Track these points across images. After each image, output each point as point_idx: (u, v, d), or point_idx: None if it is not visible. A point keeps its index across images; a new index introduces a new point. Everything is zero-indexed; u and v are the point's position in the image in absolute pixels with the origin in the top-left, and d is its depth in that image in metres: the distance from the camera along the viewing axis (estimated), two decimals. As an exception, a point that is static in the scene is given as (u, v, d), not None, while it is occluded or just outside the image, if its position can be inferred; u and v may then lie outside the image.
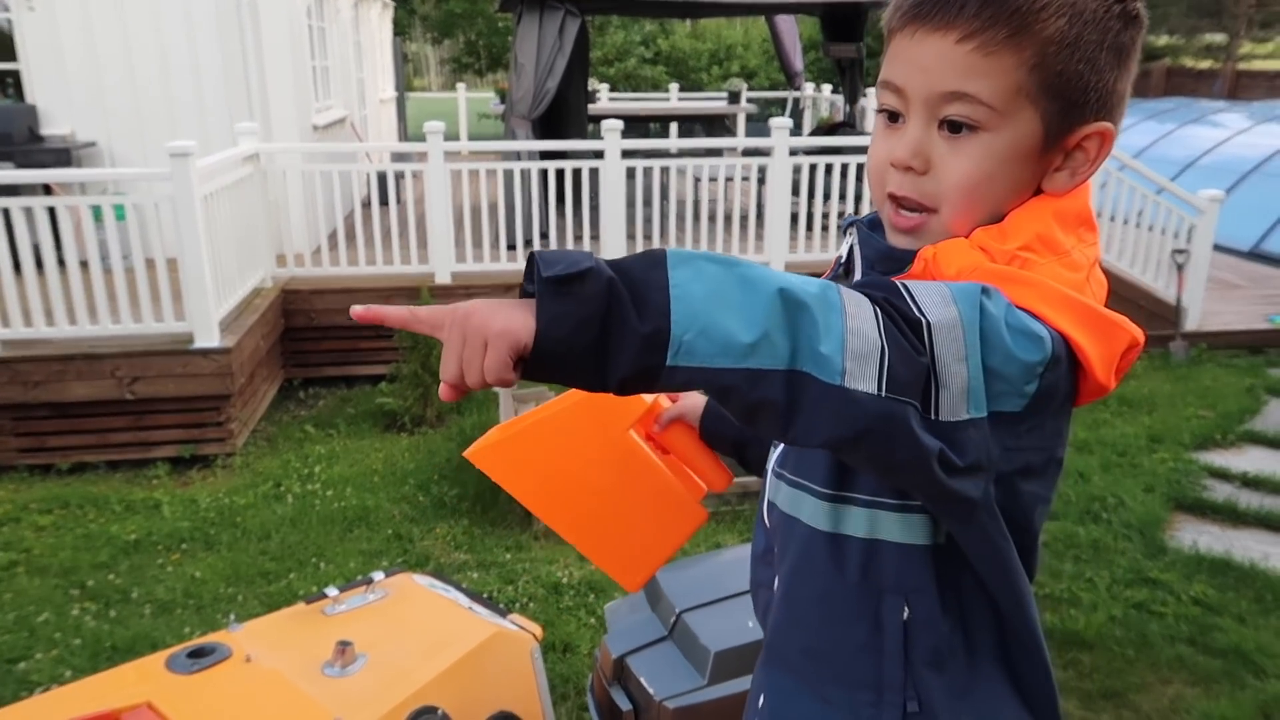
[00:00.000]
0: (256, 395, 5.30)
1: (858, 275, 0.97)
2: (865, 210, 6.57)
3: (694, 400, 1.24)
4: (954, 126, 0.88)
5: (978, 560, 0.89)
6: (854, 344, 0.71)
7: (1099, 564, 3.72)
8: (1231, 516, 4.16)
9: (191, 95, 6.48)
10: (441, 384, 0.74)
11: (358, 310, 0.75)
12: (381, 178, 6.93)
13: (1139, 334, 0.86)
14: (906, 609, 0.92)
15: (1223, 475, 4.57)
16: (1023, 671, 0.96)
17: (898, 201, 0.92)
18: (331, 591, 2.00)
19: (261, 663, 1.79)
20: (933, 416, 0.75)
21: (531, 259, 0.71)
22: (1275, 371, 6.08)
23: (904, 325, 0.74)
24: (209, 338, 4.68)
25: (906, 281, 0.80)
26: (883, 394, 0.71)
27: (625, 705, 1.75)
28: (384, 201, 6.52)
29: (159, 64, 6.42)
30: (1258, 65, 20.01)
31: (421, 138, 5.80)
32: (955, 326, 0.75)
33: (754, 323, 0.69)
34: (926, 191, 0.90)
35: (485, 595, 3.41)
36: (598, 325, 0.69)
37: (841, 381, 0.70)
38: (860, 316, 0.72)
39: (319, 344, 5.90)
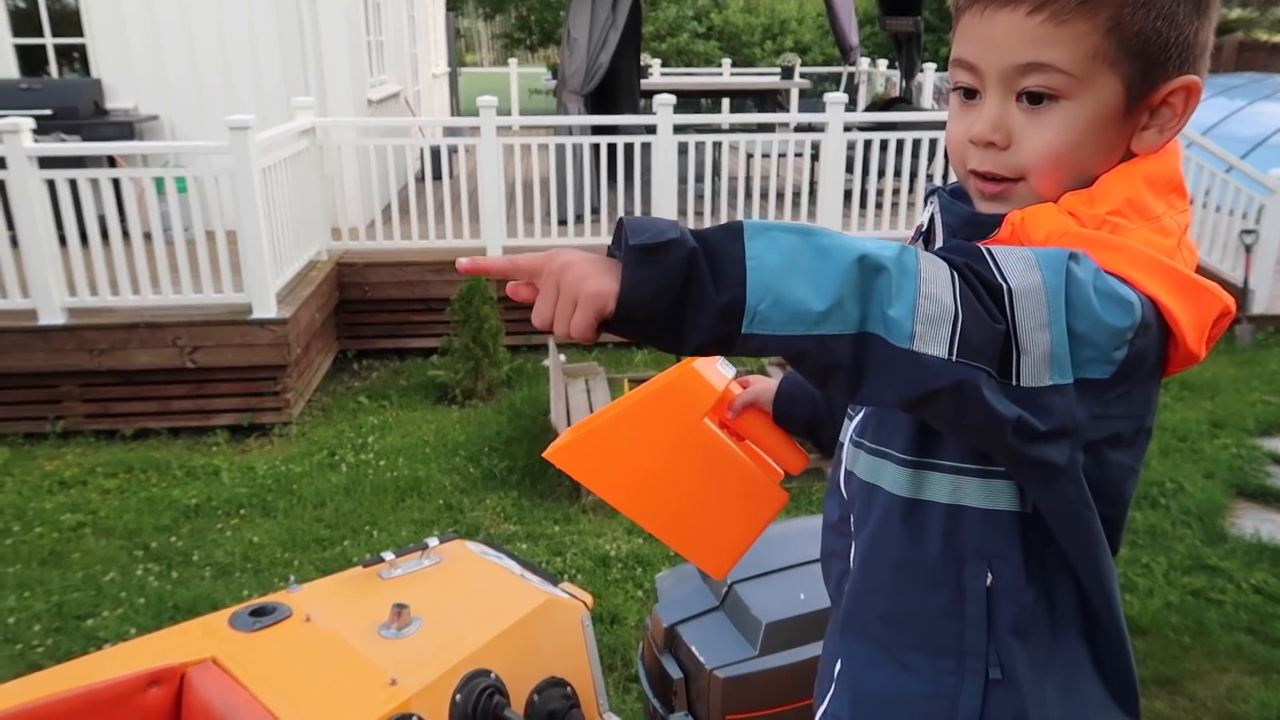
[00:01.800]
0: (312, 366, 5.40)
1: (938, 243, 0.96)
2: (920, 189, 6.47)
3: (766, 384, 1.24)
4: (1033, 98, 0.86)
5: (1059, 529, 0.88)
6: (926, 308, 0.71)
7: (1156, 550, 3.64)
8: (1296, 505, 4.06)
9: (250, 70, 6.58)
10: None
11: (463, 263, 0.80)
12: (434, 152, 7.00)
13: (1231, 302, 0.84)
14: (990, 575, 0.91)
15: (1288, 462, 4.45)
16: (1102, 647, 0.95)
17: (981, 176, 0.92)
18: (388, 555, 2.04)
19: (320, 623, 1.83)
20: (1013, 382, 0.75)
21: (620, 225, 0.74)
22: (1346, 357, 5.88)
23: (983, 291, 0.74)
24: (266, 309, 4.77)
25: (991, 246, 0.79)
26: (953, 358, 0.71)
27: (676, 673, 1.76)
28: (436, 176, 6.58)
29: (218, 39, 6.52)
30: (1335, 40, 19.20)
31: (474, 113, 5.82)
32: (1038, 292, 0.74)
33: (827, 291, 0.70)
34: (1010, 164, 0.89)
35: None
36: (677, 293, 0.71)
37: (911, 345, 0.71)
38: (935, 281, 0.72)
39: (372, 316, 5.99)
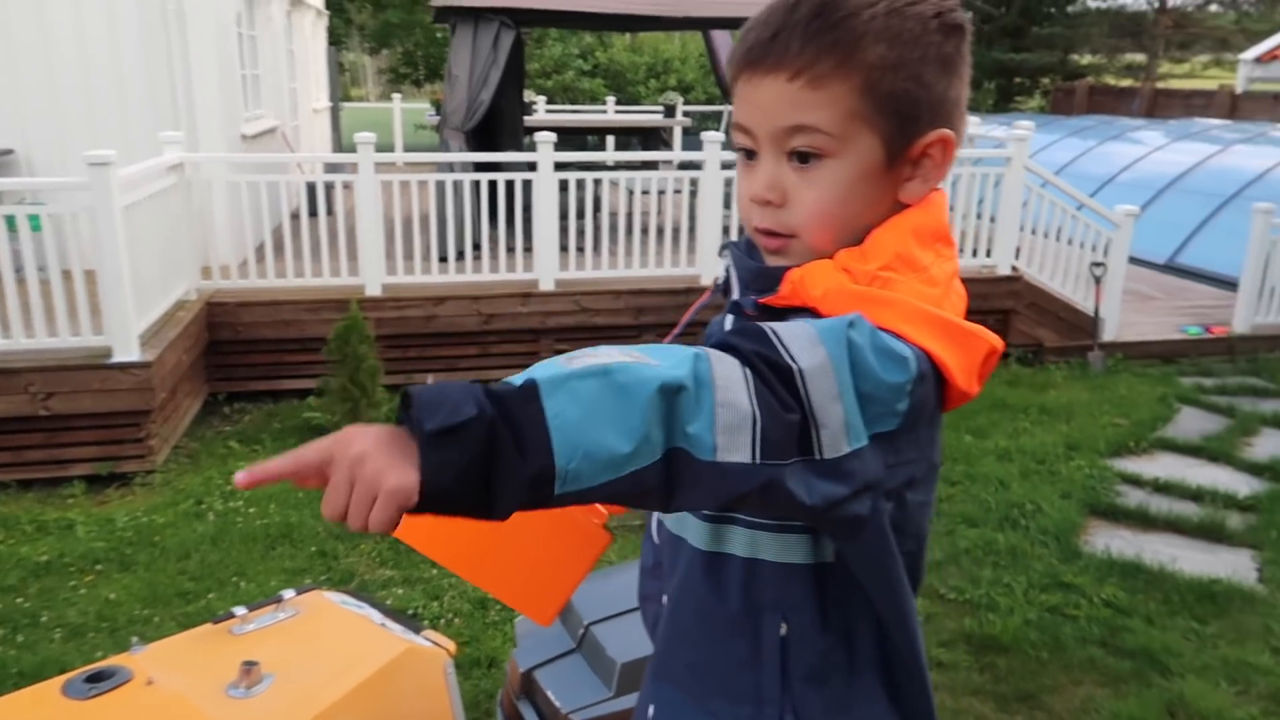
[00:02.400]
0: (179, 411, 5.18)
1: (735, 295, 1.01)
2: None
3: None
4: (802, 157, 0.92)
5: (864, 576, 0.92)
6: (724, 417, 0.72)
7: (1016, 569, 3.81)
8: (1143, 521, 4.31)
9: (114, 103, 6.32)
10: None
11: (240, 478, 0.71)
12: (311, 189, 6.85)
13: (998, 342, 0.90)
14: (784, 626, 0.95)
15: (1135, 481, 4.73)
16: (903, 689, 0.99)
17: (762, 233, 0.97)
18: (239, 610, 1.97)
19: (164, 686, 1.75)
20: (816, 456, 0.77)
21: (406, 398, 0.70)
22: (1187, 380, 6.32)
23: (774, 378, 0.75)
24: (128, 351, 4.56)
25: (776, 326, 0.81)
26: (757, 461, 0.73)
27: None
28: (313, 213, 6.44)
29: (80, 70, 6.25)
30: (1174, 84, 20.77)
31: (355, 148, 5.74)
32: (825, 366, 0.77)
33: (634, 430, 0.70)
34: (785, 222, 0.95)
35: (409, 612, 3.38)
36: (481, 470, 0.69)
37: (714, 457, 0.72)
38: (730, 387, 0.73)
39: (245, 357, 5.79)
